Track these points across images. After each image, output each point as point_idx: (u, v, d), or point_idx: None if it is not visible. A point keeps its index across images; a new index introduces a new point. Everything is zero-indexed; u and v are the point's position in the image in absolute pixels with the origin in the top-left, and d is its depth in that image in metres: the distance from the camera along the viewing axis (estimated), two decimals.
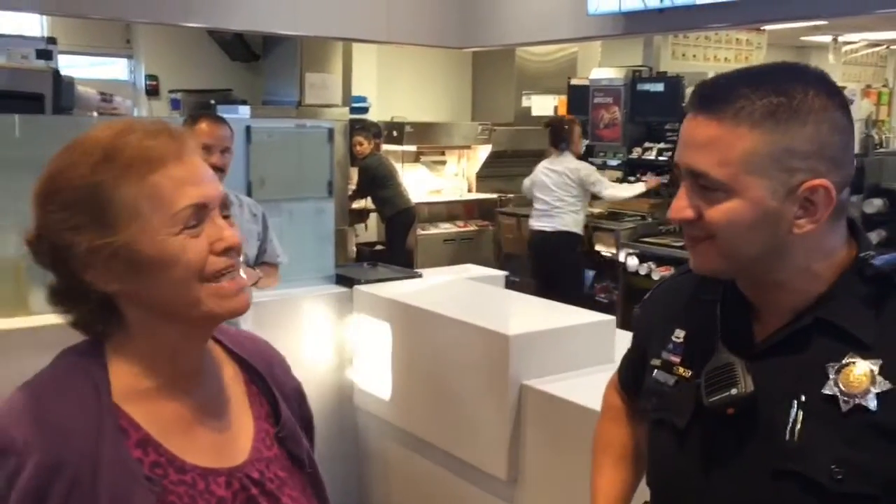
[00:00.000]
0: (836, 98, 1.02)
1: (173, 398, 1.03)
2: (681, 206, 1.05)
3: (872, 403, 0.98)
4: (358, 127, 6.79)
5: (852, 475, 0.98)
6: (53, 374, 1.00)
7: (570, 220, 5.65)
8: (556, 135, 5.72)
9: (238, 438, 1.08)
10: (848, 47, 8.35)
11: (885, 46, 8.45)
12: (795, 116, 0.98)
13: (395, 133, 7.39)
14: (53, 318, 1.04)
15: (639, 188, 5.80)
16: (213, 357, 1.11)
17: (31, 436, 0.92)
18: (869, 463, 0.98)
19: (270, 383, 1.15)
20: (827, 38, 8.15)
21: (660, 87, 6.06)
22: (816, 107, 0.99)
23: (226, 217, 1.02)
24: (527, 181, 5.98)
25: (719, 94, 1.02)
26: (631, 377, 1.35)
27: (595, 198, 5.86)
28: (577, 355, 2.69)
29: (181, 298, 0.98)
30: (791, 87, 1.00)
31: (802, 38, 9.06)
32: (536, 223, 5.80)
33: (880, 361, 0.99)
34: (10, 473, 0.90)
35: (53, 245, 0.97)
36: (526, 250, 6.13)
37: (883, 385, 0.98)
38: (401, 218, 6.90)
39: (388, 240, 7.09)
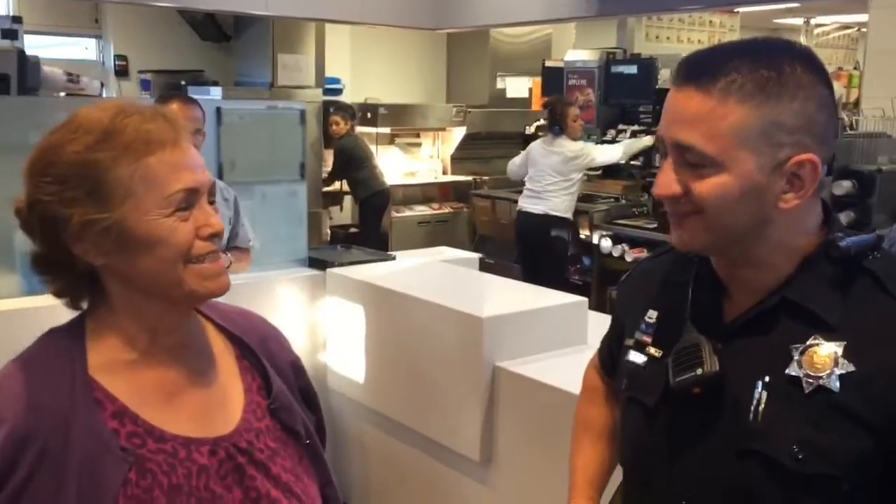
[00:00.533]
0: (823, 75, 1.02)
1: (154, 369, 1.05)
2: (667, 181, 1.03)
3: (835, 384, 0.98)
4: (334, 108, 6.75)
5: (813, 456, 0.99)
6: (31, 351, 1.03)
7: (562, 205, 5.51)
8: (551, 117, 5.55)
9: (226, 409, 1.10)
10: (819, 30, 8.41)
11: (855, 29, 8.52)
12: (784, 91, 0.98)
13: (369, 115, 7.36)
14: (19, 302, 1.03)
15: (645, 141, 5.62)
16: (201, 331, 1.13)
17: (2, 409, 0.96)
18: (830, 444, 0.98)
19: (261, 356, 1.16)
20: (799, 21, 8.21)
21: (633, 69, 6.07)
22: (804, 82, 0.99)
23: (211, 203, 1.06)
24: (518, 159, 5.82)
25: (708, 67, 1.00)
26: (609, 358, 1.36)
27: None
28: (550, 337, 2.69)
29: (165, 277, 1.02)
30: (780, 61, 0.99)
31: (775, 21, 9.11)
32: (525, 204, 5.64)
33: (844, 343, 1.00)
34: None
35: (45, 215, 0.99)
36: (507, 232, 6.09)
37: (846, 367, 0.99)
38: (375, 200, 6.88)
39: (361, 222, 7.07)
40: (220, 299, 1.10)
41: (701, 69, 1.01)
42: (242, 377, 1.14)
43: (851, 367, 0.98)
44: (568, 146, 5.49)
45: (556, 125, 5.48)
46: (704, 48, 1.07)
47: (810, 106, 0.99)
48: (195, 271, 1.02)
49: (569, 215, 5.58)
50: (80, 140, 0.99)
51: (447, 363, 2.68)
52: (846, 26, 8.50)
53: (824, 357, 1.00)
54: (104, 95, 5.68)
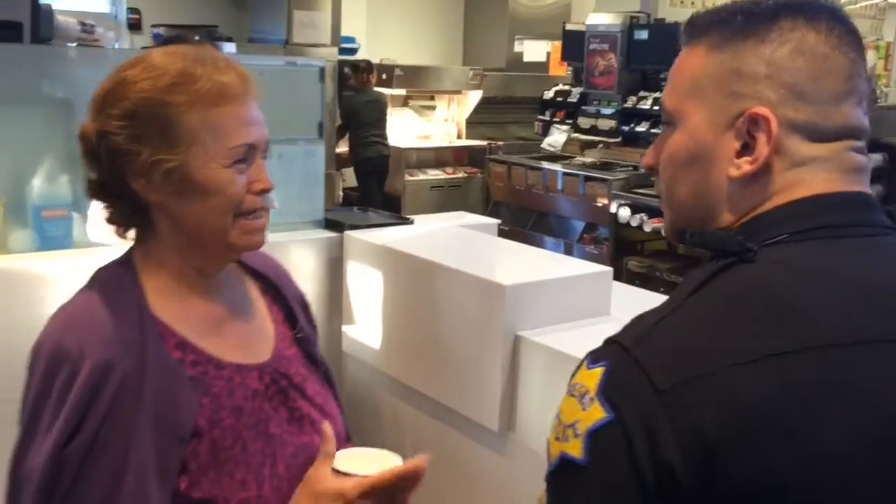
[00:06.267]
0: (815, 19, 0.83)
1: (201, 303, 1.15)
2: (647, 152, 0.93)
3: None
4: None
5: None
6: (93, 290, 1.11)
7: None
8: None
9: (262, 339, 1.21)
10: None
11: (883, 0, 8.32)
12: (753, 33, 0.82)
13: (384, 76, 7.25)
14: (31, 258, 1.07)
15: None
16: (232, 267, 1.23)
17: (83, 343, 1.03)
18: None
19: (283, 291, 1.28)
20: None
21: (656, 34, 5.93)
22: (784, 26, 0.82)
23: (263, 159, 1.15)
24: None
25: (695, 23, 0.89)
26: None
27: (590, 147, 5.71)
28: (573, 307, 2.63)
29: (212, 225, 1.09)
30: (763, 6, 0.85)
31: None
32: None
33: None
34: (68, 377, 1.01)
35: (113, 147, 1.05)
36: (522, 199, 5.91)
37: None
38: (365, 166, 6.84)
39: (358, 185, 7.03)
40: None
41: (690, 27, 0.90)
42: (269, 310, 1.25)
43: None
44: None
45: None
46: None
47: (782, 51, 0.81)
48: (241, 225, 1.09)
49: None
50: (156, 80, 1.04)
51: (467, 331, 2.63)
52: None
53: None
54: (117, 48, 5.57)
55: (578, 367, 0.81)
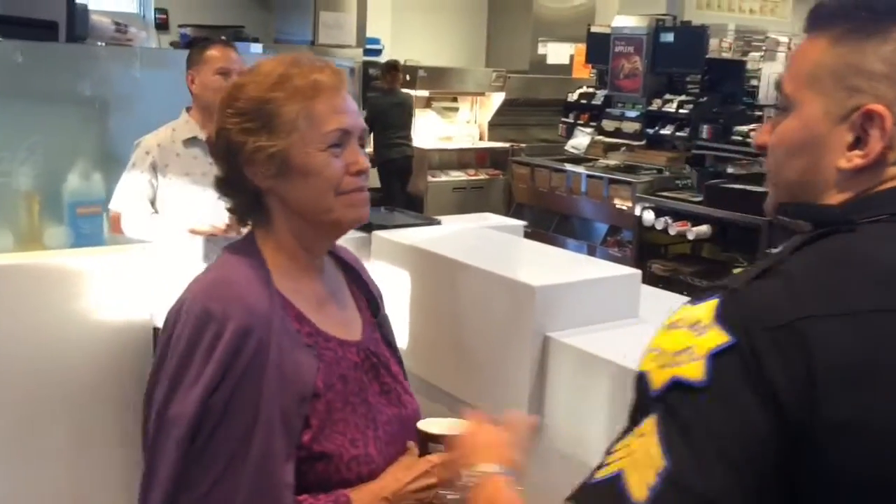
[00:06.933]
0: None
1: (310, 282, 1.29)
2: (761, 129, 0.96)
3: None
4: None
5: None
6: (227, 265, 1.26)
7: None
8: None
9: (353, 320, 1.35)
10: None
11: None
12: (877, 33, 0.86)
13: (407, 77, 7.26)
14: (66, 254, 1.09)
15: None
16: (326, 258, 1.36)
17: (226, 309, 1.16)
18: None
19: (366, 282, 1.43)
20: None
21: (682, 37, 5.90)
22: None
23: (362, 146, 1.26)
24: None
25: (820, 13, 0.92)
26: None
27: (613, 149, 5.69)
28: (602, 308, 2.62)
29: (316, 205, 1.22)
30: (886, 2, 0.88)
31: None
32: None
33: None
34: (214, 337, 1.15)
35: (228, 141, 1.22)
36: (545, 201, 5.90)
37: None
38: (389, 167, 6.85)
39: (381, 186, 7.04)
40: None
41: (813, 15, 0.93)
42: (354, 297, 1.39)
43: None
44: None
45: None
46: None
47: None
48: (343, 200, 1.22)
49: None
50: (258, 83, 1.21)
51: (495, 331, 2.63)
52: None
53: None
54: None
55: (674, 313, 0.84)
